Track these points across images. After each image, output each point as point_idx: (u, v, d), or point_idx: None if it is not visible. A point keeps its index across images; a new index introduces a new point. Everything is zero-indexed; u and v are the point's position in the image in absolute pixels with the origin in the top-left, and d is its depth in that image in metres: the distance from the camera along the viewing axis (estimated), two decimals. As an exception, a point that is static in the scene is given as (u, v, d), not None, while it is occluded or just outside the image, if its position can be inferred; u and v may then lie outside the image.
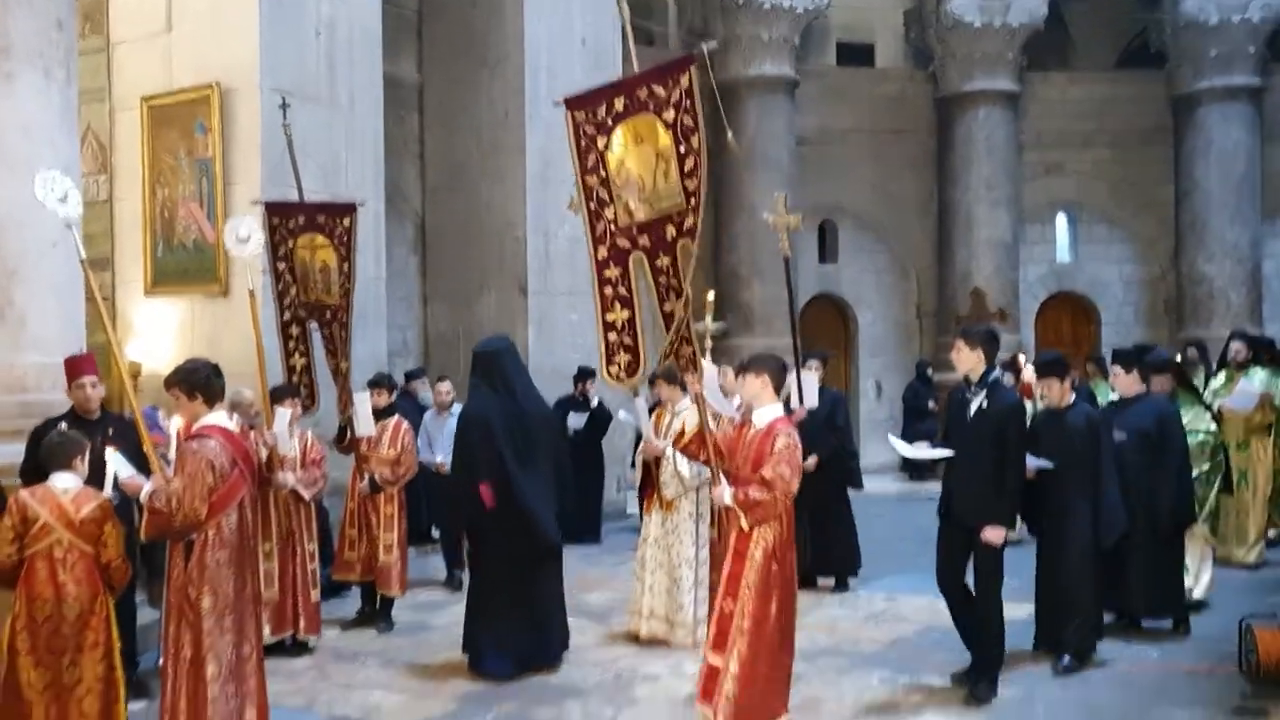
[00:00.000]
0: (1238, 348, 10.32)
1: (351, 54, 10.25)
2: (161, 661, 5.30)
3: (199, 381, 5.39)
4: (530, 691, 6.71)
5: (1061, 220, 19.19)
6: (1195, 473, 8.15)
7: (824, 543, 9.21)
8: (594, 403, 11.80)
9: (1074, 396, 7.25)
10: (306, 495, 7.77)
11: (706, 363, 6.23)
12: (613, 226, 6.41)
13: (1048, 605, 7.21)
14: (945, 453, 6.85)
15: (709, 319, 7.78)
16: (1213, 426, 8.71)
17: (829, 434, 9.17)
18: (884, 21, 19.01)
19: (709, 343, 7.74)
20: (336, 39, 10.03)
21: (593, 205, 6.47)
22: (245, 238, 7.34)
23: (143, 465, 5.60)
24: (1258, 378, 10.04)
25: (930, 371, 17.16)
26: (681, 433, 7.42)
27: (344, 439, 8.55)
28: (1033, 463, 6.93)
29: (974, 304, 11.38)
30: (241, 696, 5.25)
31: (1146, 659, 7.19)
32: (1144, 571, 7.57)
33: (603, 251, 6.47)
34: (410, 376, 11.15)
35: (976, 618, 6.54)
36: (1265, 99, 17.79)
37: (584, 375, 11.81)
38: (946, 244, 18.05)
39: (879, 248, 18.71)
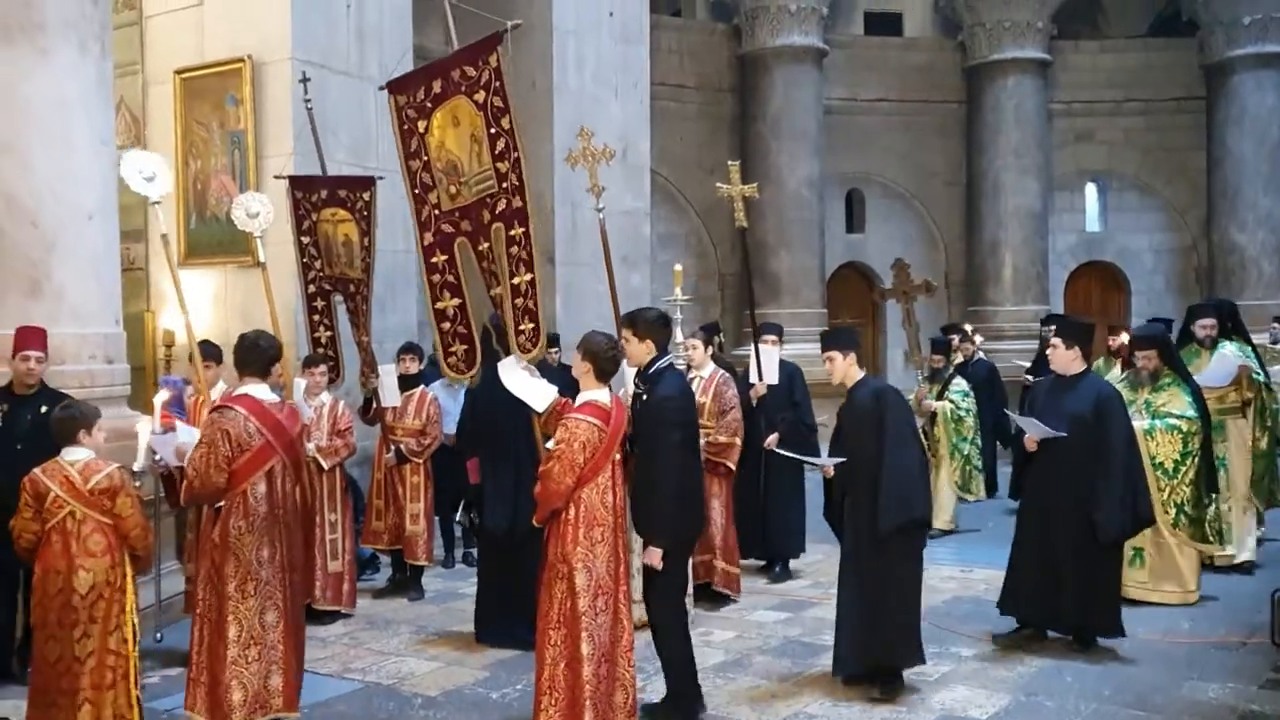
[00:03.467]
0: (1209, 324, 8.73)
1: (381, 27, 10.28)
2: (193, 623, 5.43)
3: (239, 357, 5.51)
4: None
5: (1091, 189, 19.09)
6: (1159, 459, 7.55)
7: (773, 522, 8.79)
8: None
9: (863, 373, 6.18)
10: (325, 465, 7.86)
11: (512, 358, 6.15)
12: (436, 211, 6.37)
13: (844, 623, 6.18)
14: None
15: (678, 290, 7.81)
16: (1191, 412, 7.66)
17: (786, 409, 8.71)
18: (913, -10, 18.88)
19: (679, 315, 7.77)
20: (366, 12, 10.06)
21: (417, 190, 6.43)
22: (255, 213, 7.46)
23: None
24: (1227, 350, 8.64)
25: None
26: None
27: (369, 410, 8.64)
28: (822, 460, 6.51)
29: (898, 275, 11.00)
30: (266, 662, 5.31)
31: (1178, 630, 7.19)
32: (1080, 582, 6.63)
33: (428, 238, 6.44)
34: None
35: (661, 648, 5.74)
36: (1299, 66, 17.60)
37: (552, 342, 11.66)
38: (975, 213, 18.01)
39: (907, 217, 18.64)
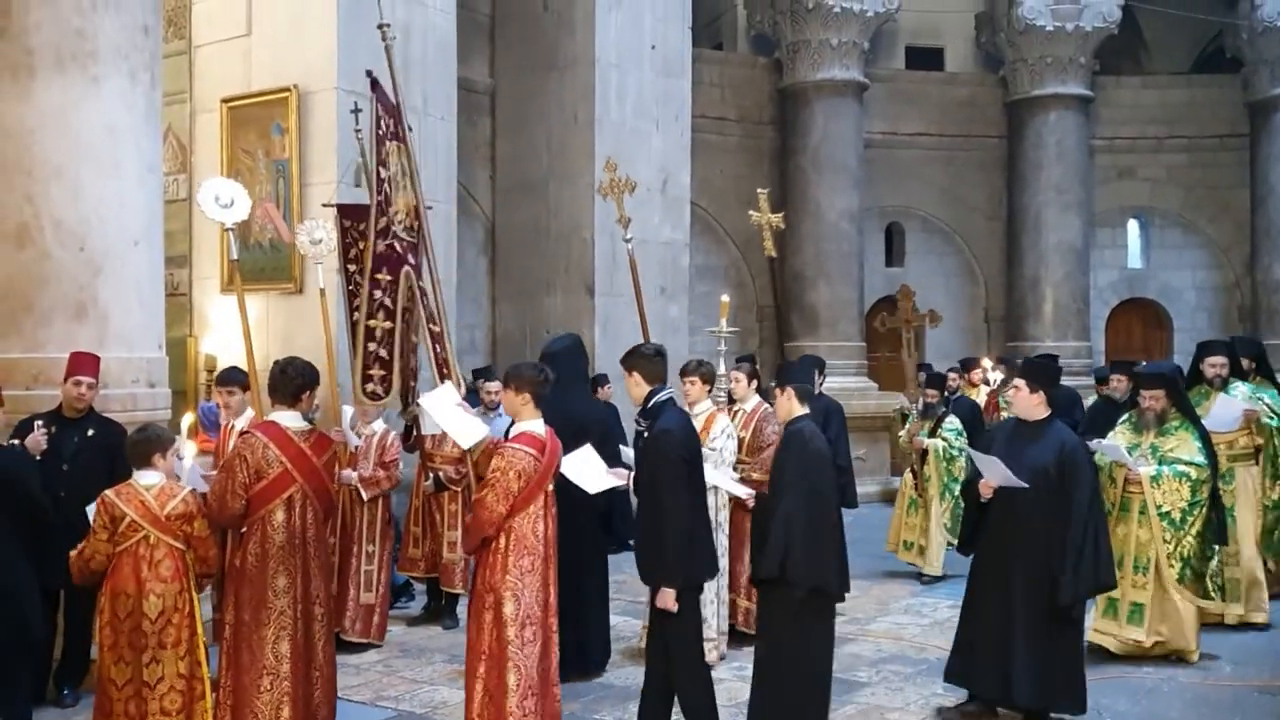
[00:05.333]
0: (1218, 363, 8.26)
1: (425, 58, 10.38)
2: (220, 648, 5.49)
3: (273, 384, 5.56)
4: (593, 693, 6.76)
5: (1133, 226, 18.97)
6: (1165, 509, 7.11)
7: None
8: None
9: (805, 410, 5.63)
10: (365, 495, 7.87)
11: (449, 385, 6.18)
12: (395, 228, 6.97)
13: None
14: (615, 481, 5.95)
15: (723, 322, 7.81)
16: (1200, 458, 7.18)
17: None
18: (954, 25, 18.89)
19: (722, 346, 7.76)
20: (411, 44, 10.16)
21: (379, 197, 6.94)
22: (319, 240, 7.55)
23: (116, 466, 5.74)
24: (1238, 392, 8.22)
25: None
26: (704, 433, 7.17)
27: (409, 437, 8.68)
28: (738, 490, 6.28)
29: (903, 300, 10.58)
30: (278, 694, 5.32)
31: (1219, 674, 7.09)
32: (1032, 654, 5.87)
33: (380, 245, 6.99)
34: (477, 375, 11.25)
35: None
36: (1345, 105, 17.46)
37: (601, 381, 11.70)
38: (1015, 248, 17.91)
39: (947, 251, 18.59)
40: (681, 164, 13.59)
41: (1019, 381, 6.21)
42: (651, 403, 5.49)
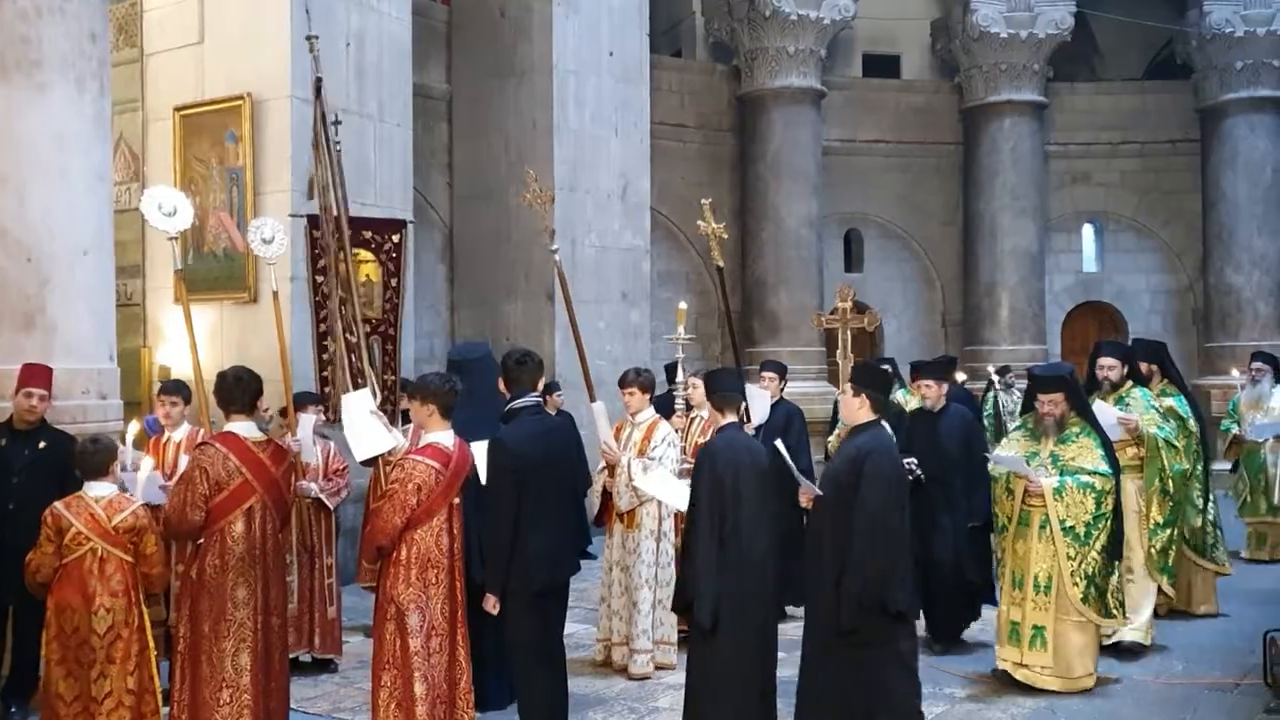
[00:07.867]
0: (1108, 364, 7.76)
1: (381, 65, 10.34)
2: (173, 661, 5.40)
3: (228, 395, 5.49)
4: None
5: (1088, 230, 19.19)
6: (1069, 523, 6.55)
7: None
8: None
9: (726, 421, 5.49)
10: (330, 504, 7.69)
11: (365, 392, 6.22)
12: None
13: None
14: None
15: (680, 329, 7.82)
16: (1104, 467, 6.65)
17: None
18: (910, 33, 19.05)
19: (680, 353, 7.78)
20: (366, 50, 10.13)
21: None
22: (269, 239, 7.44)
23: (67, 478, 5.68)
24: (1133, 399, 7.68)
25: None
26: (645, 441, 7.27)
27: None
28: (676, 502, 6.24)
29: (840, 301, 10.36)
30: (238, 706, 5.25)
31: (1171, 672, 7.17)
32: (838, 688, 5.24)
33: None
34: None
35: None
36: (1292, 110, 17.74)
37: (550, 389, 11.63)
38: (971, 254, 18.08)
39: (904, 257, 18.73)
40: (641, 170, 13.61)
41: (846, 385, 5.59)
42: (507, 409, 5.58)
